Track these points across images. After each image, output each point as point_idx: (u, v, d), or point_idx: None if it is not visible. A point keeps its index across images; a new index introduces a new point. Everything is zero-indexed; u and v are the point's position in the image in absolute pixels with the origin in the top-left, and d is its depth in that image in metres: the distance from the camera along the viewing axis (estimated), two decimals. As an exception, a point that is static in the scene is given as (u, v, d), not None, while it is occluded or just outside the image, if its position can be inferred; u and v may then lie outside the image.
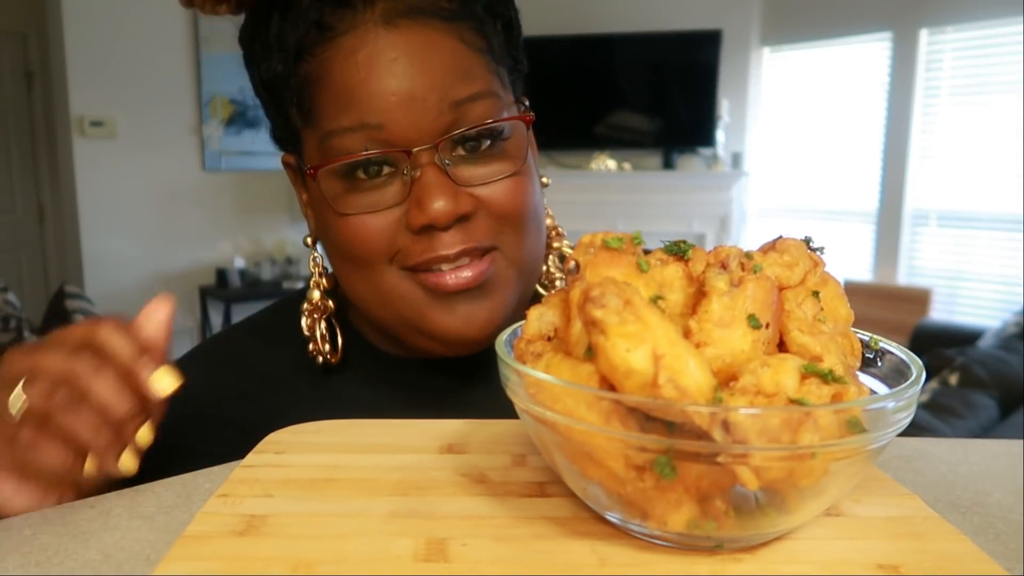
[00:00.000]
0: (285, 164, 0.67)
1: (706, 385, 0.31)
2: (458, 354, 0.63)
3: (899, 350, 0.40)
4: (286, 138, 0.64)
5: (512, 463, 0.46)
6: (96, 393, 0.46)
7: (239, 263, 4.66)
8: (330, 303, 0.67)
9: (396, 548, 0.36)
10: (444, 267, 0.58)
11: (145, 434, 0.49)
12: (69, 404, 0.46)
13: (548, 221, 0.68)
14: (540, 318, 0.40)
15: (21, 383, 0.46)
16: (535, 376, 0.34)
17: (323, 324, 0.67)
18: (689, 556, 0.35)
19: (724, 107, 4.82)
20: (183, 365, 0.55)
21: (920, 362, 0.38)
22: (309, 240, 0.67)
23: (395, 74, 0.55)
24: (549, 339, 0.39)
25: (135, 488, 0.49)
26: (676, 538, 0.35)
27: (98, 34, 4.18)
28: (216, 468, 0.51)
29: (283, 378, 0.68)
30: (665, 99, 4.99)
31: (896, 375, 0.39)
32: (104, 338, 0.48)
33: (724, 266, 0.37)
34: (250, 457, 0.47)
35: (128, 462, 0.48)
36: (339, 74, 0.56)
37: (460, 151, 0.58)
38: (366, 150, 0.56)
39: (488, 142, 0.59)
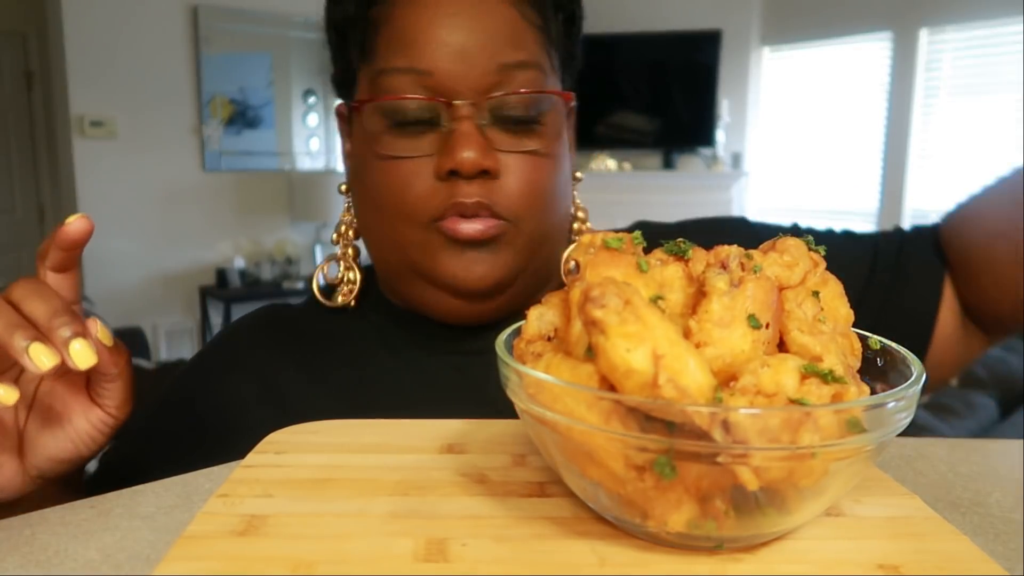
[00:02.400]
0: (338, 114, 0.71)
1: (706, 385, 0.31)
2: (454, 312, 0.65)
3: (899, 350, 0.40)
4: (344, 82, 0.68)
5: (512, 463, 0.46)
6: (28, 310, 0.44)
7: (239, 263, 4.67)
8: (351, 250, 0.70)
9: (396, 548, 0.36)
10: (462, 218, 0.60)
11: (102, 331, 0.46)
12: None
13: (580, 214, 0.73)
14: (540, 318, 0.40)
15: None
16: (535, 376, 0.34)
17: (342, 267, 0.70)
18: (689, 556, 0.35)
19: (724, 107, 4.82)
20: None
21: (920, 362, 0.38)
22: (343, 187, 0.70)
23: (452, 27, 0.59)
24: (549, 339, 0.39)
25: (135, 488, 0.49)
26: (676, 538, 0.35)
27: (98, 34, 4.18)
28: (216, 468, 0.51)
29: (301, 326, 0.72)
30: (665, 99, 4.99)
31: (896, 375, 0.39)
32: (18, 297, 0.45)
33: (724, 266, 0.37)
34: (250, 457, 0.47)
35: (85, 352, 0.44)
36: (401, 18, 0.61)
37: (497, 115, 0.61)
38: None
39: (526, 116, 0.62)
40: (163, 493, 0.48)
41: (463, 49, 0.59)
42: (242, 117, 4.69)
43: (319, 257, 4.80)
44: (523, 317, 0.40)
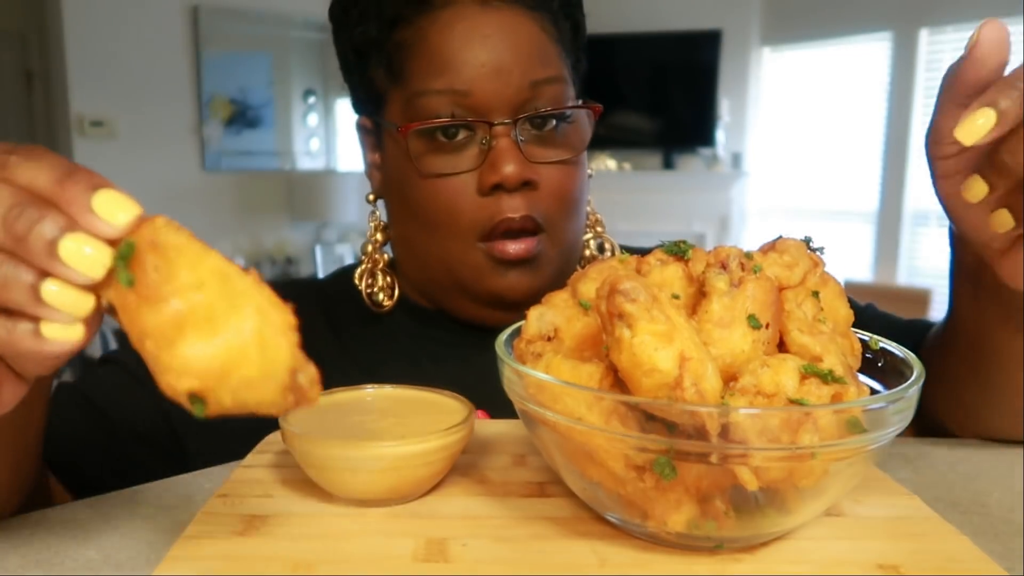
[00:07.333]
0: (360, 127, 0.73)
1: (719, 389, 0.31)
2: (489, 320, 0.68)
3: (899, 350, 0.40)
4: (367, 100, 0.70)
5: (512, 463, 0.46)
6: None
7: (239, 263, 4.65)
8: (384, 256, 0.74)
9: (396, 548, 0.36)
10: (509, 240, 0.64)
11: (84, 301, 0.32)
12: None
13: (588, 208, 0.75)
14: (540, 318, 0.40)
15: None
16: (535, 376, 0.34)
17: (380, 274, 0.73)
18: (689, 556, 0.35)
19: (724, 107, 4.81)
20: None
21: (920, 362, 0.38)
22: (371, 197, 0.73)
23: (487, 48, 0.62)
24: (549, 339, 0.39)
25: (135, 488, 0.49)
26: (676, 538, 0.35)
27: (98, 34, 4.17)
28: (216, 468, 0.51)
29: (344, 325, 0.74)
30: (665, 99, 4.99)
31: (896, 375, 0.39)
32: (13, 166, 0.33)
33: (724, 266, 0.37)
34: (250, 457, 0.47)
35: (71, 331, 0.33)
36: (436, 42, 0.62)
37: (530, 128, 0.64)
38: (452, 114, 0.62)
39: (555, 124, 0.65)
40: (163, 493, 0.48)
41: (498, 68, 0.62)
42: (242, 117, 4.69)
43: (319, 257, 4.79)
44: None
